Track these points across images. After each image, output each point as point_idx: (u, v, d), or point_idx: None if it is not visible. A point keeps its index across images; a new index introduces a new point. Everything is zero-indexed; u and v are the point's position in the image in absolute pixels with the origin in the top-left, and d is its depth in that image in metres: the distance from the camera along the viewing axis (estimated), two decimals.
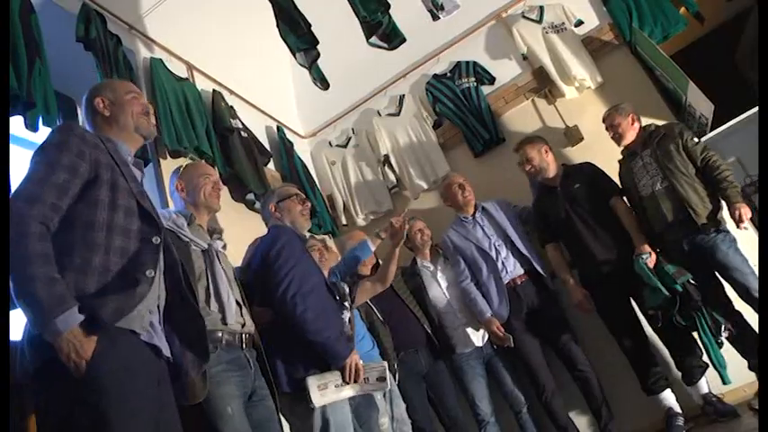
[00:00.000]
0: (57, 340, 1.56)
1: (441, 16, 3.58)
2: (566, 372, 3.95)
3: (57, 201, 1.73)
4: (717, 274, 3.44)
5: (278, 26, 3.69)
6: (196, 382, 2.00)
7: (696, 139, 3.65)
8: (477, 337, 4.06)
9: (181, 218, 2.47)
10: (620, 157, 3.95)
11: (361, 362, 2.70)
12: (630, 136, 3.85)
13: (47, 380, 1.63)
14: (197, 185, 2.58)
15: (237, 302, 2.40)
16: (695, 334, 3.44)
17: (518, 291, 3.99)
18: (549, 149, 4.11)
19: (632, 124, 3.86)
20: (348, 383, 2.61)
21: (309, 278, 2.73)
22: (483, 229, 4.16)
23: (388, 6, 3.62)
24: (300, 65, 3.90)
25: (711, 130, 4.13)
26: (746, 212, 3.34)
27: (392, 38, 3.74)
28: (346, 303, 3.07)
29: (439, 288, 4.20)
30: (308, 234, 4.59)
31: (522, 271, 4.03)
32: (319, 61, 3.96)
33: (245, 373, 2.33)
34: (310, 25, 3.68)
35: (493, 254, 4.06)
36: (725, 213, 3.49)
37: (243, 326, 2.38)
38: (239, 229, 3.48)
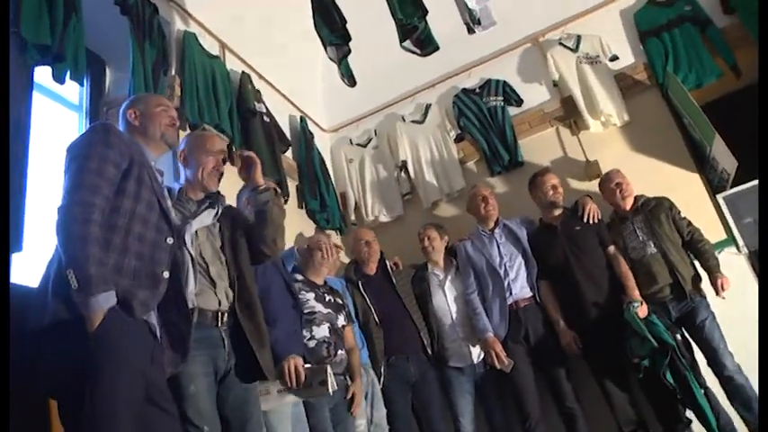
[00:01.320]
0: (88, 310, 1.76)
1: (476, 30, 3.57)
2: (553, 404, 3.91)
3: (109, 193, 1.95)
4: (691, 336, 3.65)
5: (313, 17, 3.69)
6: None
7: (682, 215, 3.91)
8: (473, 354, 4.03)
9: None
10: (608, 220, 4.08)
11: (302, 364, 2.65)
12: (630, 201, 4.03)
13: (64, 330, 1.80)
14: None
15: (213, 280, 2.36)
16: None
17: (519, 314, 3.96)
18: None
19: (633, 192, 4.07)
20: (290, 388, 2.56)
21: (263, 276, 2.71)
22: (499, 247, 4.15)
23: (426, 12, 3.61)
24: (330, 59, 3.89)
25: (732, 187, 4.14)
26: (727, 282, 3.66)
27: (426, 44, 3.72)
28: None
29: (444, 298, 4.18)
30: (314, 228, 4.65)
31: (528, 294, 4.01)
32: (350, 58, 3.95)
33: (216, 353, 2.28)
34: (346, 21, 3.67)
35: (501, 273, 4.05)
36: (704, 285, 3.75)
37: (219, 303, 2.34)
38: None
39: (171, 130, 2.36)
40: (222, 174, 2.60)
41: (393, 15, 3.57)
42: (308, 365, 2.66)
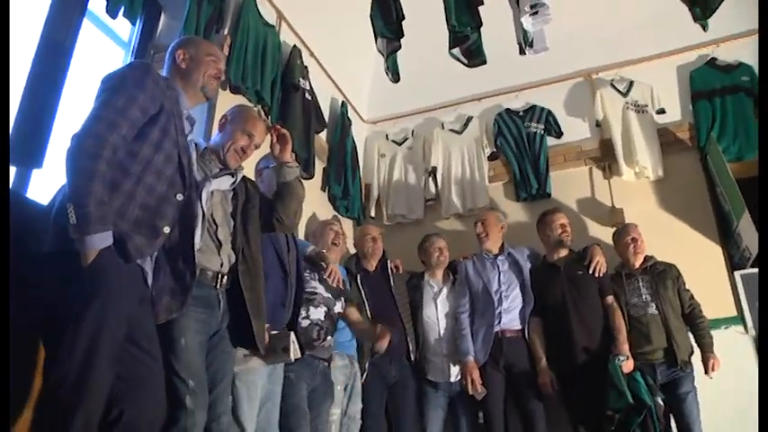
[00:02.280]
0: (83, 248, 1.78)
1: (527, 53, 3.55)
2: None
3: (127, 134, 1.94)
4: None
5: (372, 6, 3.71)
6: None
7: (687, 288, 3.91)
8: (452, 373, 4.03)
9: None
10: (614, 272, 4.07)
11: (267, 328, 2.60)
12: (641, 259, 4.03)
13: (59, 261, 1.82)
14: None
15: (219, 241, 2.37)
16: None
17: (503, 343, 3.94)
18: None
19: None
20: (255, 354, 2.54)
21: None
22: (499, 274, 4.13)
23: (480, 24, 3.59)
24: (378, 50, 3.90)
25: (752, 267, 4.10)
26: (718, 364, 3.67)
27: (474, 56, 3.71)
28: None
29: (435, 311, 4.18)
30: (334, 215, 4.68)
31: (517, 327, 3.98)
32: (404, 56, 3.96)
33: (211, 313, 2.30)
34: (403, 18, 3.67)
35: (495, 300, 4.03)
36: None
37: (221, 265, 2.35)
38: None
39: (213, 83, 2.36)
40: (246, 156, 2.57)
41: (447, 21, 3.57)
42: (273, 332, 2.67)
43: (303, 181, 4.07)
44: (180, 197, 2.10)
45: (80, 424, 1.67)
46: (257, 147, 2.59)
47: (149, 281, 2.01)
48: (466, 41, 3.67)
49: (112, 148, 1.87)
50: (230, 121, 2.58)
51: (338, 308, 3.49)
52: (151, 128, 2.02)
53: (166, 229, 2.02)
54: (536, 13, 3.29)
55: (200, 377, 2.18)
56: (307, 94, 4.45)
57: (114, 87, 1.99)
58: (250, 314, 2.37)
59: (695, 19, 3.12)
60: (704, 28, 3.18)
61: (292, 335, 2.69)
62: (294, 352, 2.66)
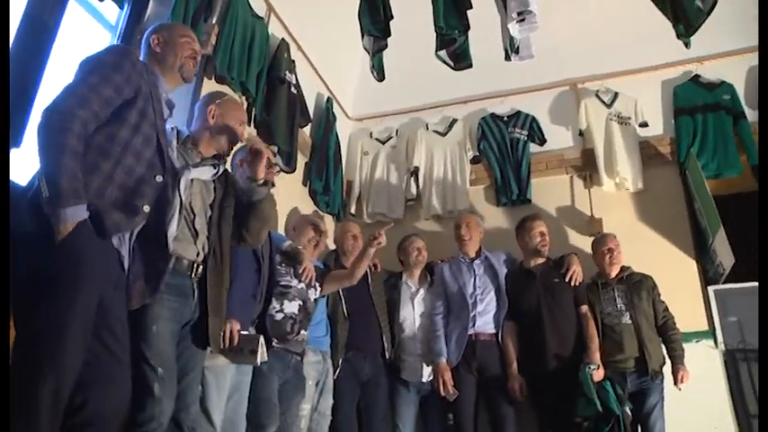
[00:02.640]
0: (58, 222, 1.76)
1: (513, 59, 3.56)
2: None
3: (99, 111, 1.93)
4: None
5: (360, 3, 3.71)
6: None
7: (662, 299, 3.96)
8: (425, 373, 4.05)
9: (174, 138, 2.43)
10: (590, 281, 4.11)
11: (238, 329, 2.62)
12: (617, 269, 4.06)
13: (34, 238, 1.81)
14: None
15: (196, 231, 2.37)
16: None
17: (476, 347, 3.97)
18: None
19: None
20: (222, 349, 2.54)
21: None
22: (474, 278, 4.16)
23: (468, 28, 3.60)
24: (364, 48, 3.88)
25: (725, 283, 4.15)
26: (687, 376, 3.71)
27: (460, 59, 3.70)
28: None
29: (411, 311, 4.21)
30: (315, 210, 4.67)
31: (491, 330, 4.02)
32: (391, 55, 3.94)
33: (185, 302, 2.30)
34: (391, 18, 3.66)
35: (470, 303, 4.06)
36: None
37: (197, 255, 2.35)
38: None
39: (190, 63, 2.36)
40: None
41: (435, 23, 3.57)
42: (244, 332, 2.67)
43: (286, 173, 4.11)
44: (159, 179, 2.09)
45: (48, 390, 1.66)
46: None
47: (126, 264, 2.00)
48: (453, 44, 3.67)
49: (82, 122, 1.86)
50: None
51: (313, 294, 3.49)
52: (129, 111, 2.02)
53: (146, 208, 2.01)
54: (523, 20, 3.29)
55: (169, 365, 2.18)
56: (292, 88, 4.43)
57: (89, 68, 2.00)
58: (209, 311, 2.36)
59: (678, 35, 3.14)
60: (687, 45, 3.19)
61: (261, 338, 2.69)
62: (261, 355, 2.66)
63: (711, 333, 4.14)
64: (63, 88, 1.93)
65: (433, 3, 3.63)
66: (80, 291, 1.76)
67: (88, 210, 1.82)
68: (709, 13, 2.93)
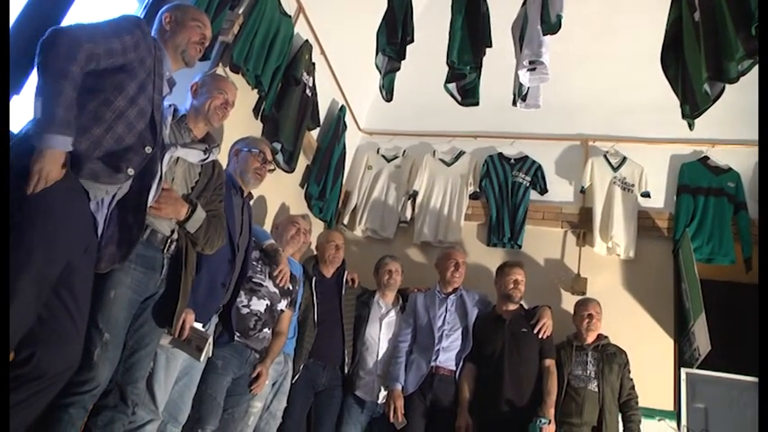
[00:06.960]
0: (41, 149, 1.76)
1: (518, 105, 3.56)
2: None
3: (101, 56, 1.94)
4: None
5: (381, 21, 3.71)
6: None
7: (631, 377, 3.95)
8: (380, 395, 4.04)
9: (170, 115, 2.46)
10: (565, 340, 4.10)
11: (192, 321, 2.59)
12: (593, 336, 4.05)
13: (18, 180, 1.78)
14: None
15: None
16: None
17: (435, 380, 3.96)
18: None
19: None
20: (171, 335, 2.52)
21: None
22: (445, 313, 4.16)
23: (480, 66, 3.59)
24: (376, 65, 3.88)
25: (699, 368, 4.13)
26: None
27: (468, 95, 3.69)
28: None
29: (377, 331, 4.19)
30: (306, 213, 4.64)
31: (451, 367, 4.01)
32: (411, 77, 3.94)
33: (150, 275, 2.31)
34: (410, 42, 3.67)
35: (436, 337, 4.05)
36: None
37: (172, 232, 2.38)
38: None
39: (193, 48, 2.36)
40: (226, 115, 2.64)
41: (447, 55, 3.57)
42: (198, 324, 2.64)
43: (285, 172, 4.10)
44: (149, 149, 2.10)
45: None
46: (232, 105, 2.66)
47: (99, 230, 2.02)
48: (463, 79, 3.66)
49: (87, 55, 1.88)
50: (203, 85, 2.64)
51: (282, 305, 3.48)
52: (129, 82, 2.04)
53: (130, 171, 2.03)
54: (534, 69, 3.29)
55: (117, 332, 2.19)
56: (307, 90, 4.43)
57: (105, 22, 2.05)
58: (180, 295, 2.37)
59: (683, 116, 3.11)
60: (690, 126, 3.18)
61: (210, 339, 2.69)
62: (206, 354, 2.65)
63: (676, 414, 4.11)
64: (76, 22, 1.97)
65: (450, 35, 3.62)
66: (41, 247, 1.76)
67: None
68: (715, 100, 2.89)
